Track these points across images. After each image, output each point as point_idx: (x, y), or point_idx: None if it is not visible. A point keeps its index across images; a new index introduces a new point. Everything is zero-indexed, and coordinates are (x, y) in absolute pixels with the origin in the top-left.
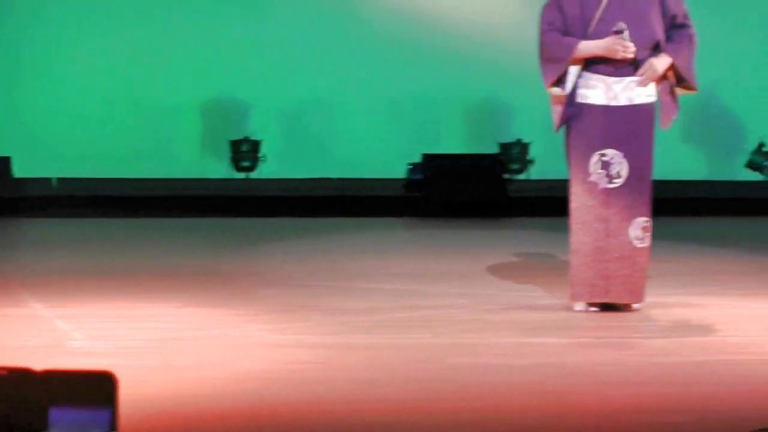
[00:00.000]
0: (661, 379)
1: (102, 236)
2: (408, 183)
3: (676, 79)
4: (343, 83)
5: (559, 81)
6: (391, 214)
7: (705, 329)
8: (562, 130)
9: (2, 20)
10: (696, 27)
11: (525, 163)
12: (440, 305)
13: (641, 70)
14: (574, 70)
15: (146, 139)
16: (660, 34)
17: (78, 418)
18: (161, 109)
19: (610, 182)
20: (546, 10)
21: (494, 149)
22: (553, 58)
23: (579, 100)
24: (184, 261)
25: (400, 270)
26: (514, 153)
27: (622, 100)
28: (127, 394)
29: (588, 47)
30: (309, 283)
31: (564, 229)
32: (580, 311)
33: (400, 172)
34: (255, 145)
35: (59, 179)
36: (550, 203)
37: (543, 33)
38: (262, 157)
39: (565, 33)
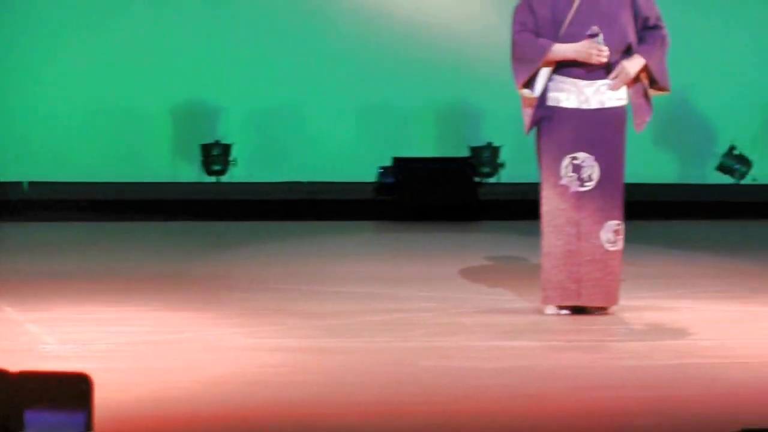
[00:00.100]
0: (633, 383)
1: (73, 240)
2: (379, 186)
3: (649, 81)
4: (314, 86)
5: (530, 82)
6: (362, 217)
7: (677, 332)
8: (533, 133)
9: None
10: (667, 30)
11: (496, 167)
12: (412, 308)
13: (613, 74)
14: (545, 73)
15: (117, 142)
16: (632, 36)
17: (53, 420)
18: (132, 112)
19: (582, 185)
20: (518, 11)
21: (465, 152)
22: (526, 59)
23: (550, 103)
24: (156, 264)
25: (371, 273)
26: (485, 156)
27: (594, 104)
28: (99, 397)
29: (562, 50)
30: (281, 286)
31: (535, 233)
32: (551, 314)
33: (371, 175)
34: (226, 148)
35: (30, 183)
36: (521, 206)
37: (515, 33)
38: (233, 160)
39: (537, 34)
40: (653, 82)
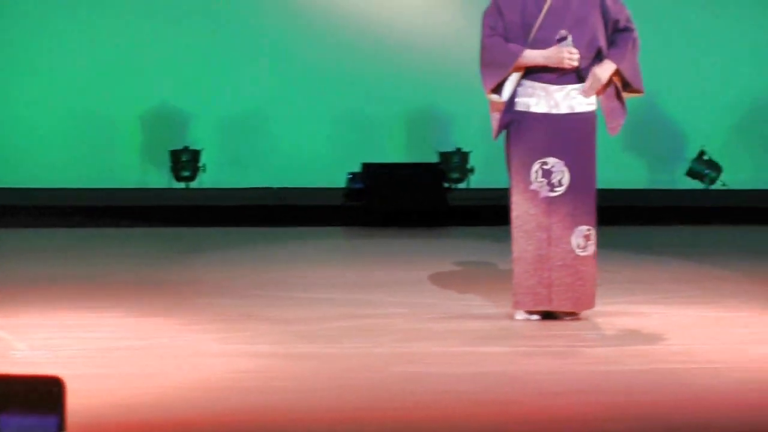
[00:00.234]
0: (604, 388)
1: (42, 246)
2: (348, 192)
3: (622, 84)
4: (282, 93)
5: (498, 87)
6: (331, 223)
7: (647, 337)
8: (502, 138)
9: None
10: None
11: (465, 172)
12: (382, 314)
13: (586, 83)
14: (513, 78)
15: (86, 148)
16: (602, 40)
17: (26, 424)
18: (101, 119)
19: (552, 191)
20: (487, 15)
21: (434, 158)
22: (496, 64)
23: (519, 108)
24: (126, 271)
25: (341, 279)
26: (454, 162)
27: (563, 108)
28: (70, 404)
29: (533, 56)
30: (250, 292)
31: (505, 238)
32: (521, 320)
33: (340, 181)
34: (195, 154)
35: None
36: (490, 212)
37: (485, 37)
38: (202, 166)
39: (506, 39)
40: (626, 85)
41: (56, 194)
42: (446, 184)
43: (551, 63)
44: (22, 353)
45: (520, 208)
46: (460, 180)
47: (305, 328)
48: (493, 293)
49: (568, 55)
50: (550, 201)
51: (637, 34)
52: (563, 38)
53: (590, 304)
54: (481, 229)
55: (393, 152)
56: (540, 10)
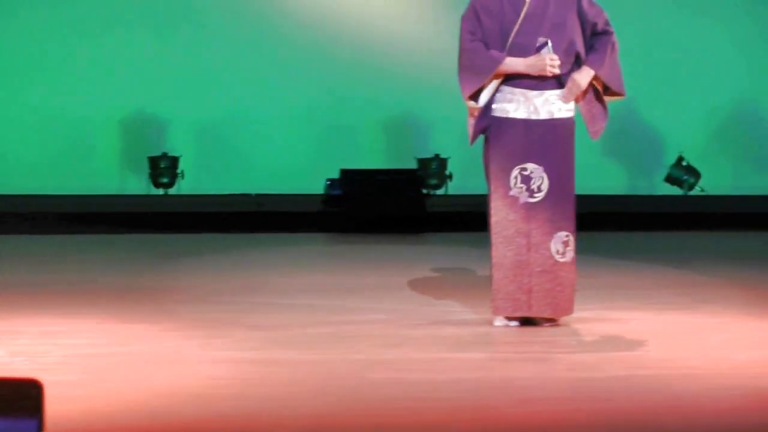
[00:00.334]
0: (582, 394)
1: (19, 252)
2: (327, 198)
3: (602, 88)
4: (261, 99)
5: (477, 93)
6: (310, 229)
7: (627, 344)
8: (480, 144)
9: None
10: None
11: (443, 179)
12: (360, 320)
13: (566, 89)
14: (492, 84)
15: (64, 154)
16: (580, 45)
17: (4, 427)
18: (79, 125)
19: (531, 196)
20: (465, 19)
21: (412, 164)
22: (476, 70)
23: (498, 114)
24: (104, 277)
25: (319, 285)
26: (432, 168)
27: (543, 114)
28: (49, 410)
29: (514, 64)
30: (229, 298)
31: (483, 244)
32: (500, 326)
33: (318, 187)
34: (173, 161)
35: None
36: (468, 218)
37: (466, 42)
38: (181, 173)
39: (485, 44)
40: (607, 89)
41: (34, 201)
42: (424, 191)
43: (533, 71)
44: (2, 359)
45: (499, 213)
46: (438, 186)
47: (284, 334)
48: (471, 299)
49: (550, 62)
50: (529, 207)
51: (615, 37)
52: (543, 45)
53: (569, 310)
54: (460, 236)
55: (371, 158)
56: (518, 16)
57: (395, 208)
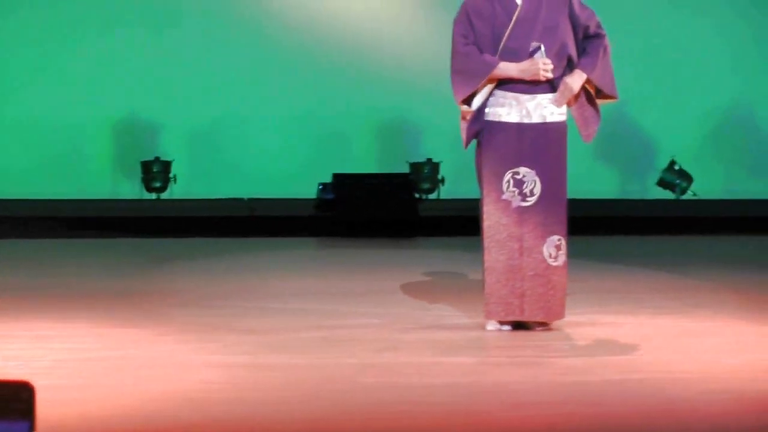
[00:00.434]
0: (575, 398)
1: (12, 257)
2: (319, 203)
3: (595, 91)
4: (252, 103)
5: (470, 97)
6: (302, 233)
7: (619, 348)
8: (472, 148)
9: None
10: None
11: (435, 183)
12: (353, 325)
13: (558, 93)
14: (486, 89)
15: (57, 159)
16: (571, 48)
17: None
18: (72, 129)
19: (524, 200)
20: (457, 22)
21: (405, 169)
22: (470, 73)
23: (491, 117)
24: (97, 281)
25: (311, 290)
26: (425, 172)
27: (535, 118)
28: (42, 414)
29: (508, 68)
30: (222, 302)
31: (475, 248)
32: (492, 330)
33: (311, 191)
34: (166, 165)
35: None
36: (460, 222)
37: (459, 45)
38: (173, 177)
39: (478, 48)
40: (599, 92)
41: (27, 205)
42: (417, 195)
43: (526, 76)
44: None
45: (491, 218)
46: (430, 190)
47: (277, 339)
48: (463, 303)
49: (543, 66)
50: (522, 211)
51: (607, 39)
52: (536, 49)
53: (561, 315)
54: (452, 240)
55: (364, 163)
56: (510, 20)
57: (387, 212)
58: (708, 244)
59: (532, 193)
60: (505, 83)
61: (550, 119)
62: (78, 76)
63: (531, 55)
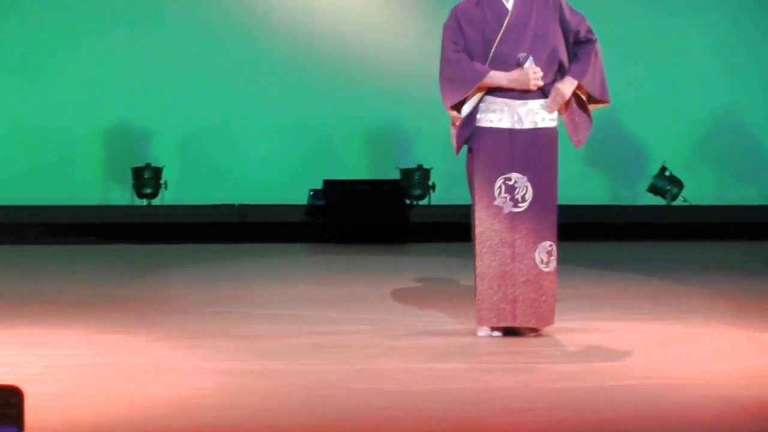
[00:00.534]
0: (566, 405)
1: (2, 263)
2: (310, 209)
3: (587, 97)
4: (244, 109)
5: (459, 104)
6: (293, 240)
7: (609, 354)
8: (463, 154)
9: None
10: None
11: (426, 189)
12: (344, 331)
13: (549, 99)
14: (474, 96)
15: (48, 165)
16: (563, 53)
17: None
18: (63, 135)
19: (515, 206)
20: (447, 28)
21: (395, 175)
22: (460, 81)
23: (482, 123)
24: (88, 287)
25: (302, 296)
26: (416, 178)
27: (527, 124)
28: (32, 420)
29: (498, 78)
30: (212, 309)
31: (466, 254)
32: (484, 336)
33: (301, 198)
34: (157, 171)
35: None
36: (451, 228)
37: (449, 52)
38: (164, 183)
39: (469, 55)
40: (590, 98)
41: (17, 211)
42: (408, 201)
43: (516, 86)
44: None
45: (483, 223)
46: (421, 196)
47: (268, 345)
48: (454, 309)
49: (534, 76)
50: (513, 216)
51: (598, 44)
52: (525, 59)
53: (551, 320)
54: (443, 246)
55: (354, 169)
56: (500, 25)
57: (378, 218)
58: (699, 250)
59: (523, 199)
60: (496, 89)
61: (541, 125)
62: (69, 83)
63: (519, 64)
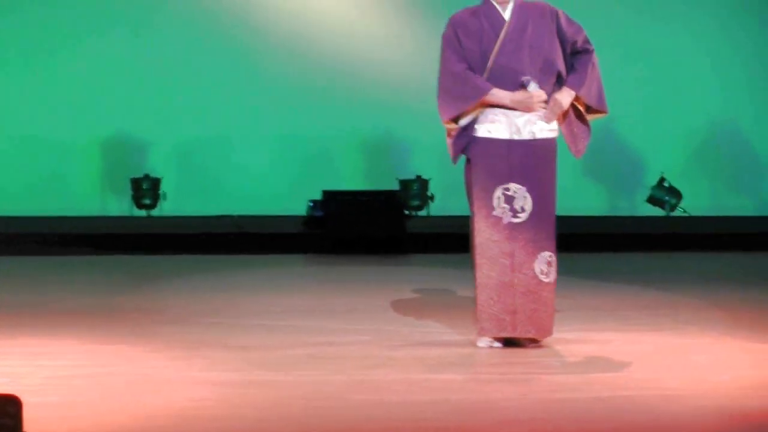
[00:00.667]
0: (565, 415)
1: (2, 274)
2: (308, 220)
3: (584, 107)
4: (242, 120)
5: (457, 117)
6: (291, 250)
7: (607, 365)
8: (462, 164)
9: None
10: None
11: (425, 199)
12: (341, 341)
13: (547, 111)
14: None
15: (46, 176)
16: (560, 64)
17: None
18: (61, 146)
19: (515, 217)
20: (446, 41)
21: (394, 185)
22: (459, 95)
23: (480, 134)
24: (86, 298)
25: (301, 307)
26: (414, 189)
27: (525, 134)
28: (28, 430)
29: (501, 98)
30: (210, 319)
31: (464, 265)
32: (483, 347)
33: (300, 208)
34: (155, 182)
35: None
36: (450, 239)
37: (450, 63)
38: (163, 194)
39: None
40: (588, 108)
41: (17, 223)
42: (406, 212)
43: (519, 107)
44: None
45: (483, 234)
46: (420, 207)
47: (266, 355)
48: (452, 320)
49: (538, 100)
50: (512, 227)
51: (595, 54)
52: (528, 82)
53: (550, 331)
54: (441, 257)
55: (353, 180)
56: (497, 36)
57: (377, 229)
58: (695, 261)
59: (522, 210)
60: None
61: (540, 135)
62: (68, 95)
63: (522, 86)
